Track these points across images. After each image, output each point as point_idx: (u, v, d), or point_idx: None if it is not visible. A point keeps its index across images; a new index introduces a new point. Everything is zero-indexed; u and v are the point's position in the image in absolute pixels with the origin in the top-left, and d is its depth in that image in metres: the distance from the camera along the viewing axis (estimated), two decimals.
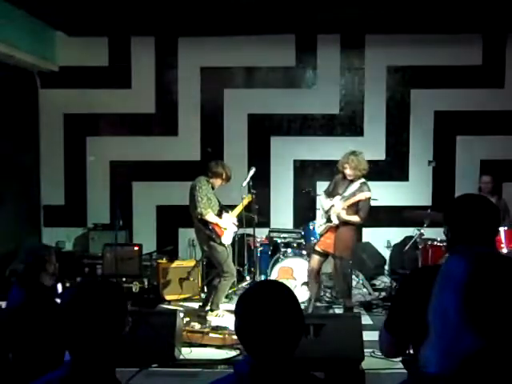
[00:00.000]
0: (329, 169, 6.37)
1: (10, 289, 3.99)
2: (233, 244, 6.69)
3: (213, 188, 6.25)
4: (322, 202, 6.17)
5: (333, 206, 5.97)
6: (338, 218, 5.92)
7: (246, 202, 6.52)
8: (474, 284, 1.28)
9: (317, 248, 6.15)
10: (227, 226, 6.20)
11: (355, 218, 5.93)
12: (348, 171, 5.96)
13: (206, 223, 6.11)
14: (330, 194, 6.13)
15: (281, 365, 1.68)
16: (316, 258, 6.16)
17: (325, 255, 6.16)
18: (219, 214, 6.22)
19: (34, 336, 3.56)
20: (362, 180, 6.01)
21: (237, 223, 6.40)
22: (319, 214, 6.30)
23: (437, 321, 1.33)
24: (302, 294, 6.53)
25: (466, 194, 2.28)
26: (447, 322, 1.30)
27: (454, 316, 1.28)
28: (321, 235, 6.14)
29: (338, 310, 6.45)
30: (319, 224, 6.17)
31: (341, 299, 6.34)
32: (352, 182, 5.99)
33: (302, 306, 2.01)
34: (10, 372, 3.60)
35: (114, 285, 1.95)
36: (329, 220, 6.00)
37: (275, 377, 1.67)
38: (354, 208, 5.92)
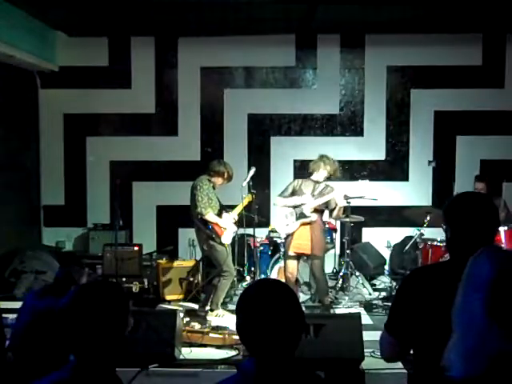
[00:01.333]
0: None
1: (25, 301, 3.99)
2: (233, 244, 6.69)
3: (214, 187, 6.24)
4: (287, 201, 6.12)
5: (303, 204, 6.03)
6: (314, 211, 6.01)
7: (246, 201, 6.51)
8: (500, 284, 1.26)
9: (291, 253, 6.13)
10: (227, 226, 6.20)
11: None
12: (325, 173, 6.08)
13: (205, 223, 6.11)
14: (294, 196, 6.14)
15: (285, 363, 1.68)
16: (294, 263, 6.17)
17: (298, 258, 6.20)
18: (219, 214, 6.22)
19: (37, 349, 3.57)
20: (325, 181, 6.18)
21: (237, 218, 6.40)
22: (281, 215, 6.19)
23: (461, 322, 1.31)
24: (303, 294, 6.54)
25: (465, 193, 2.26)
26: (472, 323, 1.27)
27: (480, 317, 1.26)
28: (288, 236, 6.12)
29: (338, 310, 6.45)
30: (286, 224, 6.11)
31: (321, 298, 6.27)
32: (317, 182, 6.12)
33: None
34: (10, 372, 3.60)
35: (115, 285, 1.95)
36: (302, 216, 6.02)
37: (281, 376, 1.67)
38: (323, 205, 6.08)
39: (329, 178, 6.16)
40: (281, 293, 1.74)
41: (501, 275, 1.27)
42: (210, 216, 6.08)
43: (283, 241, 7.26)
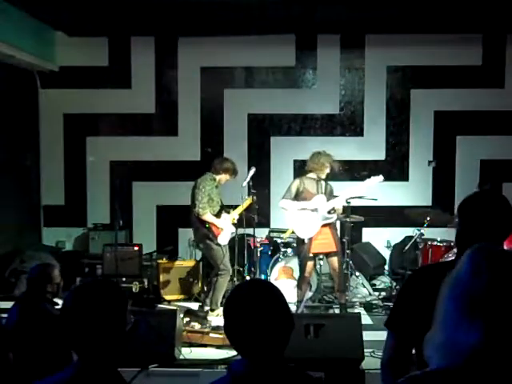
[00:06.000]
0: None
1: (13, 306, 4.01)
2: (233, 244, 6.69)
3: (217, 186, 6.26)
4: (299, 204, 6.07)
5: (320, 205, 6.05)
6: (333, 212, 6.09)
7: (247, 203, 6.51)
8: (471, 279, 1.28)
9: (311, 254, 6.14)
10: (224, 227, 6.21)
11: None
12: (327, 170, 6.12)
13: (204, 222, 6.13)
14: (299, 197, 6.10)
15: (274, 364, 1.68)
16: (312, 264, 6.22)
17: (314, 258, 6.24)
18: (219, 214, 6.23)
19: (33, 350, 3.58)
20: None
21: (237, 217, 6.40)
22: (297, 219, 6.11)
23: (437, 317, 1.34)
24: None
25: (482, 191, 2.26)
26: (446, 317, 1.30)
27: (452, 311, 1.29)
28: (310, 239, 6.09)
29: (338, 310, 6.44)
30: (305, 229, 6.06)
31: (339, 295, 6.30)
32: (319, 180, 6.14)
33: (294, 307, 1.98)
34: (12, 373, 3.60)
35: (113, 284, 1.95)
36: (324, 218, 6.03)
37: (270, 377, 1.66)
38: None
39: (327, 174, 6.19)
40: (268, 293, 1.74)
41: (472, 269, 1.29)
42: (208, 216, 6.11)
43: (284, 240, 7.29)
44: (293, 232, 6.45)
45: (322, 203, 6.05)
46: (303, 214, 6.09)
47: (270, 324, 1.67)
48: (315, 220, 6.05)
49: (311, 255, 6.13)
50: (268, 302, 1.70)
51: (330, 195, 6.18)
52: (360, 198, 7.16)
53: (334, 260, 6.12)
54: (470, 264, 1.30)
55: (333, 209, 6.13)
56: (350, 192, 6.16)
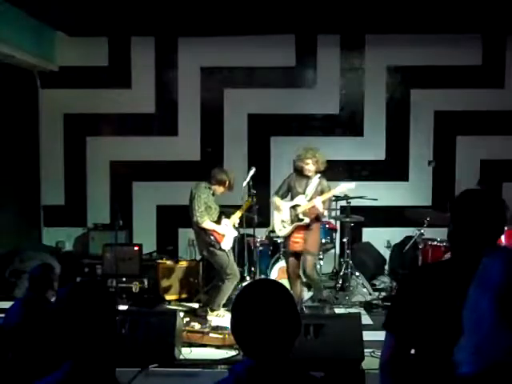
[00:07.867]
0: (329, 169, 6.38)
1: (13, 304, 4.01)
2: (233, 244, 6.69)
3: (213, 194, 6.25)
4: (280, 203, 6.17)
5: (298, 205, 6.05)
6: (306, 213, 5.99)
7: (246, 206, 6.51)
8: (509, 283, 1.26)
9: (290, 250, 6.19)
10: (225, 232, 6.22)
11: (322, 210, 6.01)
12: (310, 167, 6.00)
13: (205, 229, 6.14)
14: (286, 194, 6.21)
15: (278, 365, 1.67)
16: (292, 260, 6.23)
17: (297, 255, 6.23)
18: (219, 220, 6.24)
19: (34, 350, 3.59)
20: (319, 175, 6.08)
21: (238, 222, 6.42)
22: (277, 217, 6.23)
23: (470, 320, 1.33)
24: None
25: (473, 189, 2.23)
26: (481, 320, 1.29)
27: (489, 316, 1.27)
28: (286, 237, 6.18)
29: (338, 310, 6.45)
30: (281, 227, 6.16)
31: (315, 296, 6.35)
32: (309, 178, 6.07)
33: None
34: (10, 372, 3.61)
35: (100, 285, 1.97)
36: (297, 219, 6.03)
37: (273, 378, 1.66)
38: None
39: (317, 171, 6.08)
40: (276, 293, 1.73)
41: (509, 273, 1.27)
42: (207, 224, 6.11)
43: (283, 240, 7.29)
44: (273, 230, 6.51)
45: (300, 205, 6.05)
46: (280, 215, 6.18)
47: (277, 324, 1.66)
48: (286, 221, 6.12)
49: (290, 251, 6.18)
50: (277, 303, 1.70)
51: (319, 195, 6.04)
52: (361, 197, 7.18)
53: (304, 259, 6.09)
54: (505, 266, 1.28)
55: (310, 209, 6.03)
56: (321, 198, 5.94)
